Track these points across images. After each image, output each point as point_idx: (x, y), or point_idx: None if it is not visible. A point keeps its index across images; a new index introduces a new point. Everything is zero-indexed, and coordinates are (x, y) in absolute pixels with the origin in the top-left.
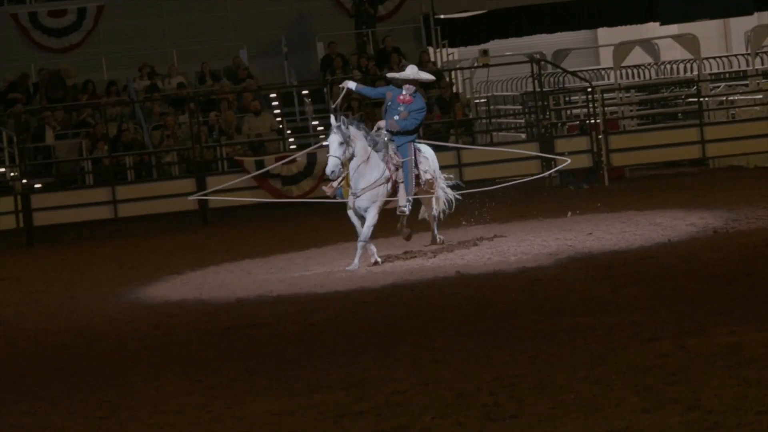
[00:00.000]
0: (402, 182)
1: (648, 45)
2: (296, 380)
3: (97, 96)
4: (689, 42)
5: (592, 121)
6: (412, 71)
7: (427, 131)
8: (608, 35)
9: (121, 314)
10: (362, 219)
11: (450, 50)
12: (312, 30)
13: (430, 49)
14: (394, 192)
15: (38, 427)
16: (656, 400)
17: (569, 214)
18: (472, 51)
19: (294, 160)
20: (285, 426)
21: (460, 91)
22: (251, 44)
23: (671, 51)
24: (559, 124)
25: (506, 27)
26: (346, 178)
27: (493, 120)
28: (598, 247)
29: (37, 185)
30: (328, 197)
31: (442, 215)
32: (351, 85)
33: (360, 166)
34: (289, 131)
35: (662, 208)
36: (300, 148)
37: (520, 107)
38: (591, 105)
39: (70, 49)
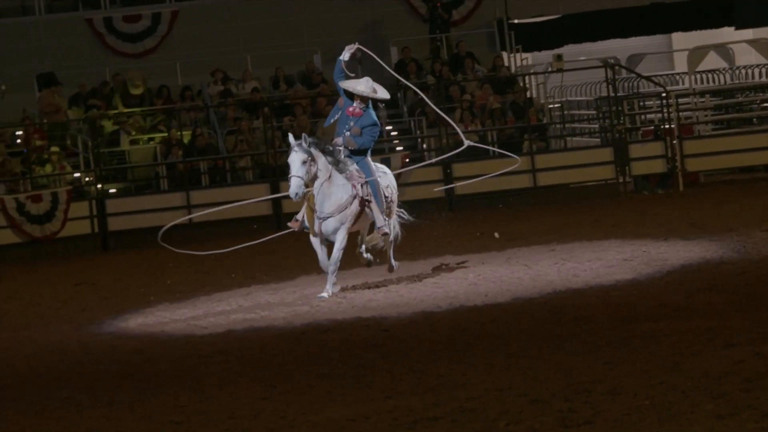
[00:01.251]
0: (372, 201)
1: (723, 49)
2: (370, 386)
3: (172, 101)
4: (764, 46)
5: (667, 126)
6: (367, 87)
7: (501, 136)
8: (683, 40)
9: (195, 319)
10: (330, 245)
11: (524, 55)
12: (386, 35)
13: (504, 54)
14: (361, 211)
15: (113, 431)
16: (732, 407)
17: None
18: (546, 56)
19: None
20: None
21: (534, 96)
22: (325, 49)
23: (746, 56)
24: (634, 130)
25: (580, 32)
26: (309, 201)
27: (567, 125)
28: (672, 253)
29: (112, 190)
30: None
31: (398, 239)
32: (346, 55)
33: (323, 185)
34: None
35: (737, 214)
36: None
37: (594, 112)
38: (665, 110)
39: (144, 54)
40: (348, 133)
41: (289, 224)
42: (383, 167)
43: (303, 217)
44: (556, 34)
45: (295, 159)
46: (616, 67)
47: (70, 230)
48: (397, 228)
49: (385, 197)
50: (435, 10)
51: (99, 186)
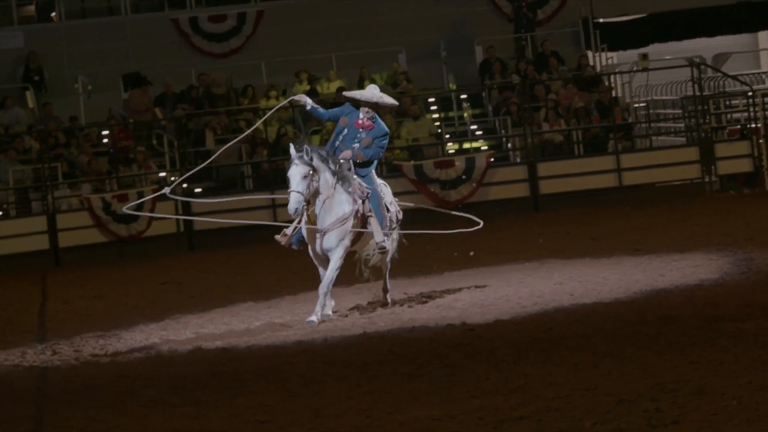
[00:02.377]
0: (373, 215)
1: None
2: (456, 385)
3: (257, 100)
4: None
5: (753, 125)
6: (373, 93)
7: (586, 135)
8: None
9: (281, 317)
10: (326, 262)
11: (609, 54)
12: (471, 34)
13: (589, 53)
14: (362, 227)
15: (199, 430)
16: None
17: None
18: (631, 55)
19: (453, 164)
20: (445, 431)
21: (619, 95)
22: (410, 48)
23: None
24: (719, 129)
25: (666, 31)
26: (310, 217)
27: (652, 124)
28: (758, 253)
29: (197, 189)
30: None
31: (394, 259)
32: (306, 101)
33: (326, 202)
34: (447, 135)
35: None
36: (458, 152)
37: (679, 111)
38: (752, 109)
39: (229, 54)
40: (357, 145)
41: (276, 237)
42: (383, 183)
43: (292, 231)
44: (641, 33)
45: (296, 173)
46: (702, 66)
47: (156, 229)
48: (394, 246)
49: (390, 213)
50: (520, 10)
51: (184, 185)
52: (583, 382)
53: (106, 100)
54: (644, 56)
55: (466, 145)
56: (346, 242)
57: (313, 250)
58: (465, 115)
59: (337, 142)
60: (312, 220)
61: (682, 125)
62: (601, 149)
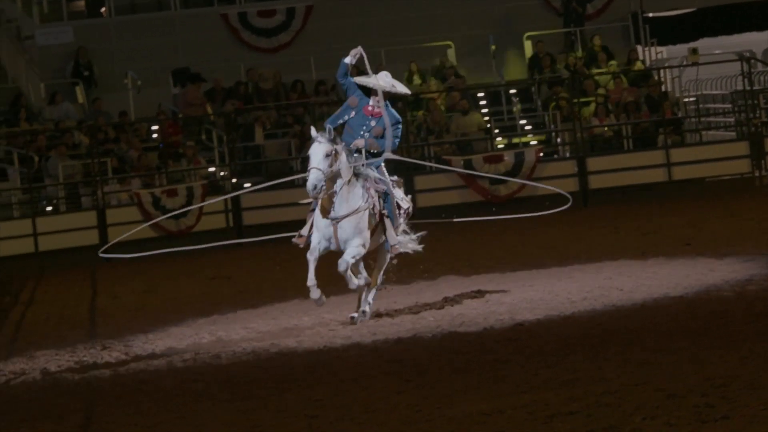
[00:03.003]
0: (386, 215)
1: None
2: (505, 380)
3: (306, 95)
4: None
5: None
6: (386, 80)
7: (636, 130)
8: None
9: (329, 313)
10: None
11: (659, 49)
12: (520, 29)
13: (639, 48)
14: (376, 226)
15: (249, 425)
16: None
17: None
18: (681, 49)
19: (502, 158)
20: (495, 426)
21: (669, 89)
22: (459, 43)
23: None
24: None
25: (716, 25)
26: (324, 203)
27: (702, 119)
28: None
29: (247, 184)
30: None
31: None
32: (353, 57)
33: (343, 188)
34: (496, 130)
35: None
36: (507, 147)
37: (729, 106)
38: None
39: (279, 49)
40: (368, 134)
41: (294, 240)
42: (394, 178)
43: (309, 229)
44: (691, 27)
45: (318, 150)
46: (752, 61)
47: (205, 224)
48: (411, 247)
49: (404, 210)
50: (569, 4)
51: (234, 180)
52: (632, 377)
53: (155, 95)
54: (694, 51)
55: (515, 140)
56: (366, 234)
57: (320, 241)
58: (514, 109)
59: (340, 121)
60: (325, 210)
61: (732, 120)
62: (651, 144)
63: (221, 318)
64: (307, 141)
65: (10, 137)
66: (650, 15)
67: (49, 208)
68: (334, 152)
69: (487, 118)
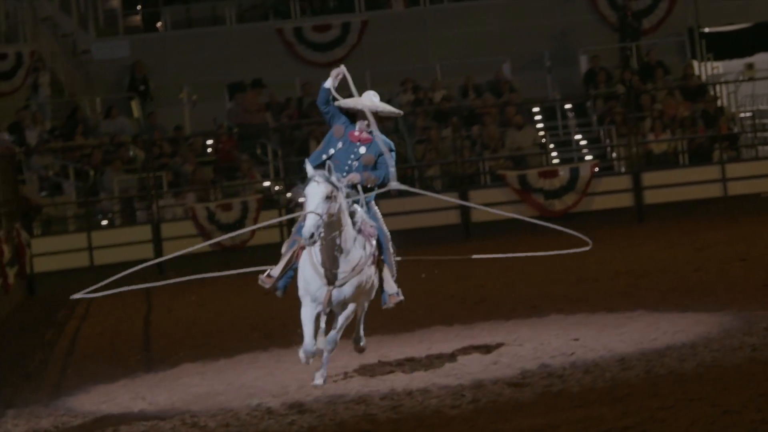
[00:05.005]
0: (382, 258)
1: None
2: (560, 395)
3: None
4: None
5: None
6: (372, 100)
7: (691, 145)
8: None
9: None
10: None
11: (715, 64)
12: (575, 43)
13: (695, 63)
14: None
15: None
16: None
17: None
18: (737, 64)
19: (557, 174)
20: None
21: (725, 104)
22: (514, 58)
23: None
24: None
25: None
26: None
27: (758, 134)
28: None
29: (301, 199)
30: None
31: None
32: (335, 78)
33: (342, 236)
34: (552, 145)
35: None
36: (563, 162)
37: None
38: None
39: (334, 64)
40: (356, 163)
41: (260, 279)
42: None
43: (280, 272)
44: (747, 42)
45: (316, 192)
46: None
47: (260, 239)
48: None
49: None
50: (625, 19)
51: (288, 195)
52: (687, 392)
53: (210, 110)
54: (750, 66)
55: (571, 155)
56: (366, 296)
57: (320, 304)
58: (569, 124)
59: (325, 155)
60: (318, 260)
61: None
62: (707, 159)
63: (274, 333)
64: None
65: (66, 151)
66: (706, 30)
67: (104, 222)
68: (334, 194)
69: (542, 133)
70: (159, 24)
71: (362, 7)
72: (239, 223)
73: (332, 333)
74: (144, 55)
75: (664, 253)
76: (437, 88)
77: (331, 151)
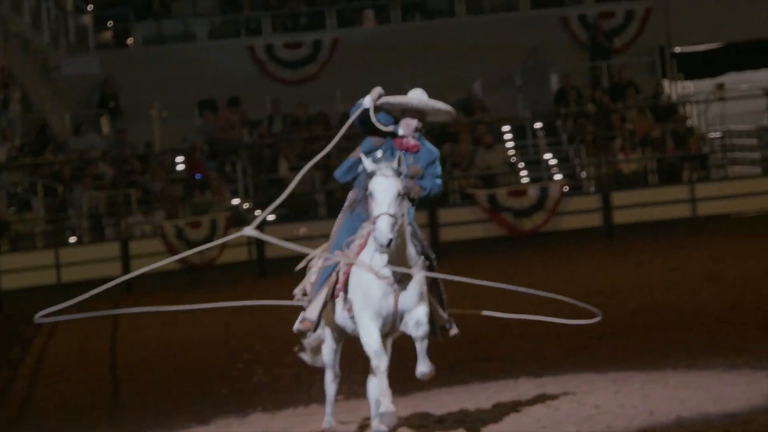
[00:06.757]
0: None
1: None
2: None
3: (331, 128)
4: None
5: None
6: (420, 98)
7: (661, 165)
8: None
9: None
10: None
11: (685, 83)
12: (546, 62)
13: (665, 82)
14: None
15: None
16: None
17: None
18: (707, 84)
19: (526, 193)
20: None
21: (695, 124)
22: (485, 76)
23: None
24: None
25: (742, 60)
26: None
27: (727, 154)
28: None
29: (270, 217)
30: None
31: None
32: (372, 98)
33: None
34: (521, 164)
35: None
36: (532, 181)
37: (755, 141)
38: None
39: (304, 81)
40: (391, 163)
41: (297, 327)
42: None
43: (319, 310)
44: (718, 62)
45: (387, 188)
46: None
47: (228, 257)
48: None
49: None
50: (596, 38)
51: (257, 213)
52: None
53: (180, 127)
54: (720, 85)
55: (540, 174)
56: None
57: (378, 315)
58: (539, 143)
59: (361, 168)
60: (366, 267)
61: (758, 155)
62: (676, 179)
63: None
64: (332, 173)
65: (35, 168)
66: (677, 49)
67: (72, 239)
68: (404, 192)
69: (512, 152)
70: (130, 40)
71: (334, 25)
72: (207, 241)
73: (422, 365)
74: (114, 71)
75: (634, 272)
76: None
77: (372, 161)
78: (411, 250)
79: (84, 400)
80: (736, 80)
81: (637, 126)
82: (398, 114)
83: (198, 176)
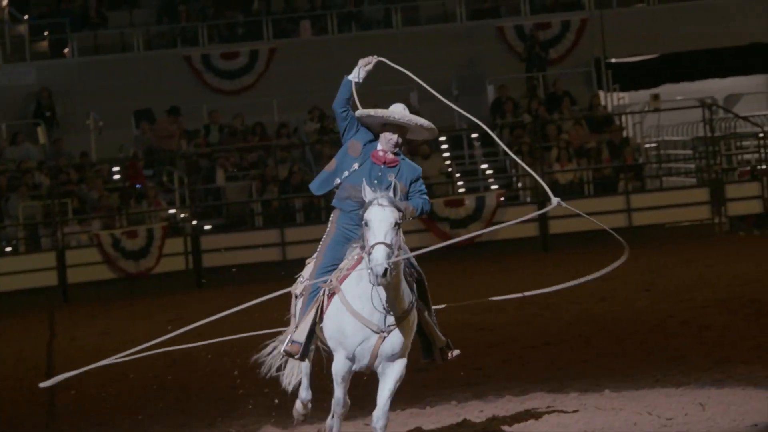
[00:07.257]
0: (424, 309)
1: None
2: None
3: (268, 138)
4: None
5: (764, 166)
6: (402, 112)
7: (597, 175)
8: None
9: None
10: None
11: (621, 94)
12: (483, 73)
13: (601, 93)
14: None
15: None
16: None
17: None
18: (642, 95)
19: (463, 203)
20: None
21: (631, 135)
22: (421, 87)
23: None
24: (730, 170)
25: (678, 71)
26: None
27: (663, 164)
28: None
29: (207, 226)
30: None
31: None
32: (364, 67)
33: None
34: (458, 174)
35: None
36: (468, 191)
37: (690, 152)
38: (762, 150)
39: (241, 91)
40: (388, 192)
41: (285, 349)
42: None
43: (307, 332)
44: (653, 73)
45: (384, 218)
46: (714, 107)
47: (165, 266)
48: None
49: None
50: (532, 49)
51: (194, 222)
52: None
53: (117, 137)
54: (656, 96)
55: (477, 185)
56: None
57: (349, 358)
58: (476, 154)
59: (338, 179)
60: (351, 309)
61: (693, 166)
62: (611, 189)
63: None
64: (269, 184)
65: None
66: (612, 61)
67: (8, 249)
68: (399, 220)
69: (448, 162)
70: (66, 50)
71: (270, 35)
72: (144, 251)
73: (380, 407)
74: (51, 81)
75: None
76: None
77: (346, 172)
78: (405, 286)
79: (20, 409)
80: (671, 91)
81: (573, 137)
82: (378, 128)
83: (138, 186)
